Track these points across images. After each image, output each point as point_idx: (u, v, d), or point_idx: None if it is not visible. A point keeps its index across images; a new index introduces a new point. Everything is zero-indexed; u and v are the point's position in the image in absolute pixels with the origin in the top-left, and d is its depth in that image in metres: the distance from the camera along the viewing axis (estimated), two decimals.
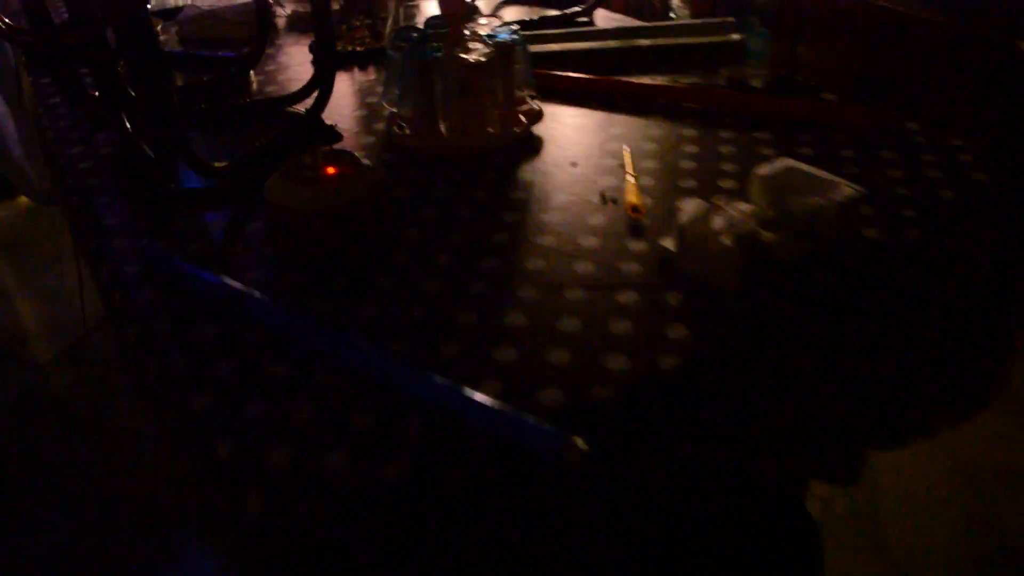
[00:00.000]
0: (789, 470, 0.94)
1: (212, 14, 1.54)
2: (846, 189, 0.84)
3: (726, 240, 0.76)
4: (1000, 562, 1.50)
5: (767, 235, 0.77)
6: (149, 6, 1.59)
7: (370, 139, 1.13)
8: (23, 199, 2.93)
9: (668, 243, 0.82)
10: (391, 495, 0.61)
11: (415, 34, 1.05)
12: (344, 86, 1.33)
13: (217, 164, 0.99)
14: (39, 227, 2.79)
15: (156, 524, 1.66)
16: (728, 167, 1.00)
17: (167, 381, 0.72)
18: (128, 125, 1.05)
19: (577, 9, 1.51)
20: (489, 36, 1.04)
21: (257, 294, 0.78)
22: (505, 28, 1.06)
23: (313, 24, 1.05)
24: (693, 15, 2.70)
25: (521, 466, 0.63)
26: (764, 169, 0.88)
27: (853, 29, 2.13)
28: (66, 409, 2.00)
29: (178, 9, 1.64)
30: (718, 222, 0.79)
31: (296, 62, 1.44)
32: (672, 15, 3.02)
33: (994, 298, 1.06)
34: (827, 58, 2.23)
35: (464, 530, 0.64)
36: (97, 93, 1.15)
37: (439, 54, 1.02)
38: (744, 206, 0.82)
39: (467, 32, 1.05)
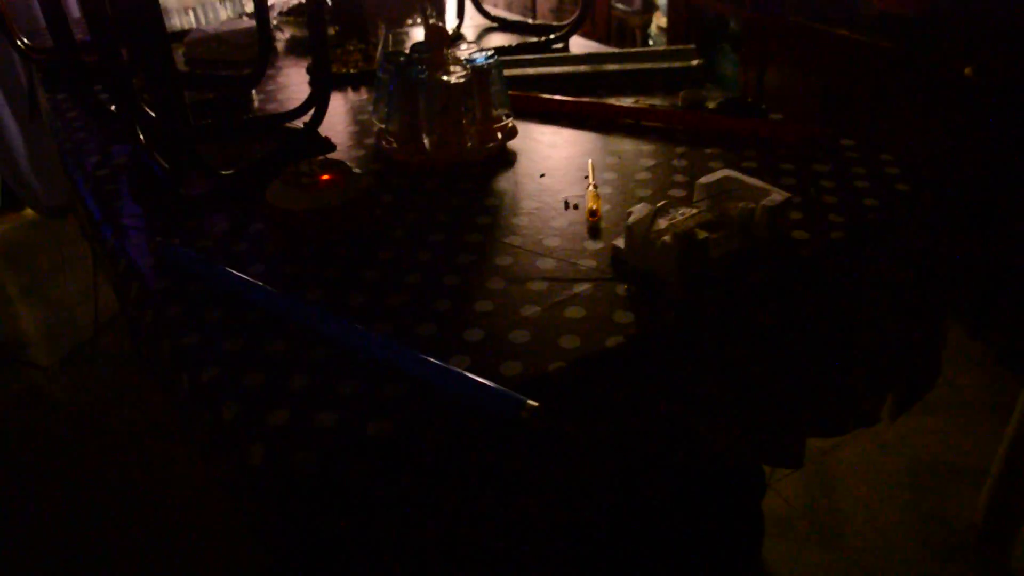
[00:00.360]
0: (733, 451, 1.05)
1: (217, 37, 1.66)
2: (776, 195, 0.96)
3: (667, 238, 0.88)
4: (947, 554, 1.60)
5: (703, 234, 0.88)
6: None
7: (361, 152, 1.25)
8: (29, 212, 3.04)
9: (620, 242, 0.94)
10: (375, 449, 0.72)
11: (402, 58, 1.17)
12: (339, 104, 1.45)
13: (224, 172, 1.11)
14: (44, 239, 2.90)
15: (156, 521, 1.76)
16: (679, 178, 1.12)
17: (178, 358, 0.84)
18: (142, 137, 1.17)
19: (553, 36, 1.63)
20: (468, 60, 1.16)
21: (259, 283, 0.89)
22: (482, 53, 1.18)
23: (310, 48, 1.18)
24: (669, 42, 2.85)
25: (485, 424, 0.74)
26: (706, 178, 1.01)
27: (816, 56, 2.27)
28: (67, 411, 2.11)
29: (185, 32, 1.76)
30: (662, 223, 0.91)
31: (294, 82, 1.56)
32: (651, 42, 3.16)
33: (922, 294, 1.17)
34: (792, 82, 2.37)
35: (437, 479, 0.75)
36: (113, 108, 1.27)
37: (423, 76, 1.14)
38: (686, 210, 0.93)
39: (448, 56, 1.17)
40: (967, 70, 1.87)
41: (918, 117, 2.06)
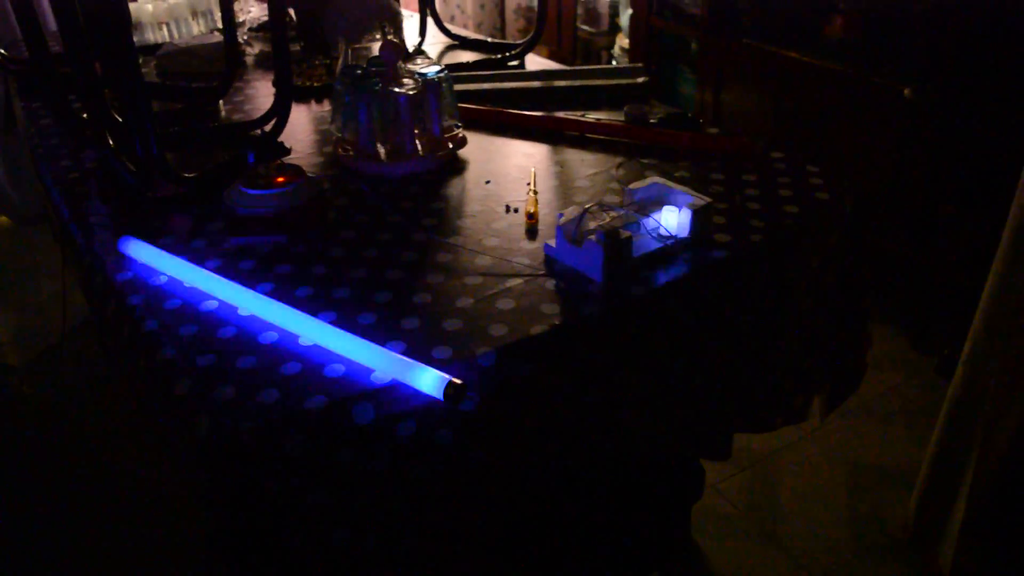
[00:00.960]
0: (660, 441, 1.12)
1: (188, 50, 1.73)
2: (698, 200, 1.04)
3: (592, 237, 0.95)
4: (881, 553, 1.68)
5: (626, 234, 0.96)
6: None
7: (320, 159, 1.33)
8: (4, 219, 3.09)
9: (552, 241, 1.02)
10: (312, 423, 0.78)
11: (359, 71, 1.25)
12: (302, 115, 1.52)
13: (187, 175, 1.17)
14: (18, 246, 2.95)
15: (123, 518, 1.80)
16: (615, 185, 1.20)
17: (137, 342, 0.90)
18: (111, 142, 1.24)
19: (509, 54, 1.72)
20: (420, 74, 1.24)
21: (215, 275, 0.96)
22: (434, 68, 1.25)
23: (273, 59, 1.25)
24: (631, 60, 2.95)
25: (413, 401, 0.81)
26: (635, 184, 1.09)
27: (768, 76, 2.37)
28: (35, 409, 2.15)
29: (158, 45, 1.83)
30: (591, 224, 0.99)
31: (261, 94, 1.64)
32: (613, 62, 3.26)
33: (844, 298, 1.25)
34: (746, 101, 2.47)
35: (368, 451, 0.82)
36: (85, 115, 1.33)
37: (377, 88, 1.21)
38: (614, 212, 1.01)
39: (402, 70, 1.25)
40: (906, 91, 1.98)
41: (862, 134, 2.16)
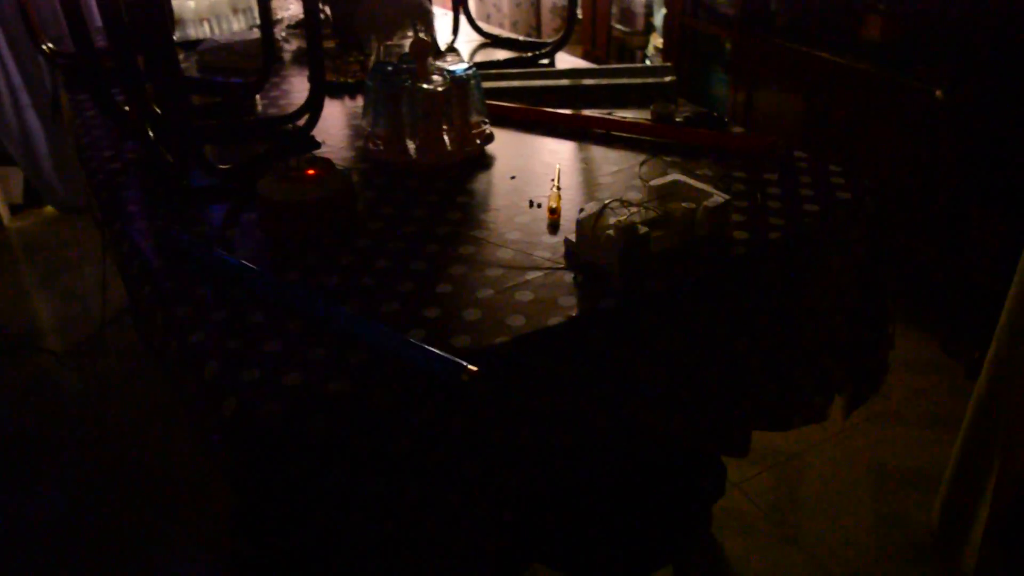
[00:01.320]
0: (676, 435, 1.14)
1: (227, 47, 1.78)
2: (717, 197, 1.05)
3: (611, 232, 0.97)
4: (904, 556, 1.68)
5: (644, 229, 0.98)
6: (174, 38, 1.84)
7: (351, 153, 1.36)
8: (49, 208, 3.18)
9: (572, 236, 1.04)
10: (333, 405, 0.82)
11: (389, 68, 1.28)
12: (336, 110, 1.56)
13: (222, 167, 1.21)
14: (63, 234, 3.03)
15: (158, 500, 1.86)
16: (638, 182, 1.21)
17: (170, 325, 0.94)
18: (152, 135, 1.28)
19: (540, 52, 1.74)
20: (449, 71, 1.27)
21: (245, 263, 1.00)
22: (462, 65, 1.28)
23: (308, 57, 1.29)
24: (664, 60, 2.95)
25: (431, 386, 0.84)
26: (656, 181, 1.10)
27: (800, 77, 2.37)
28: (76, 394, 2.23)
29: (198, 41, 1.88)
30: (611, 219, 1.01)
31: (296, 90, 1.68)
32: (647, 61, 3.27)
33: (865, 298, 1.26)
34: (778, 102, 2.47)
35: (388, 435, 0.85)
36: (127, 108, 1.38)
37: (407, 84, 1.24)
38: (633, 208, 1.03)
39: (432, 67, 1.28)
40: (938, 92, 1.97)
41: (893, 135, 2.15)
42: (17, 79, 2.90)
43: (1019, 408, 1.43)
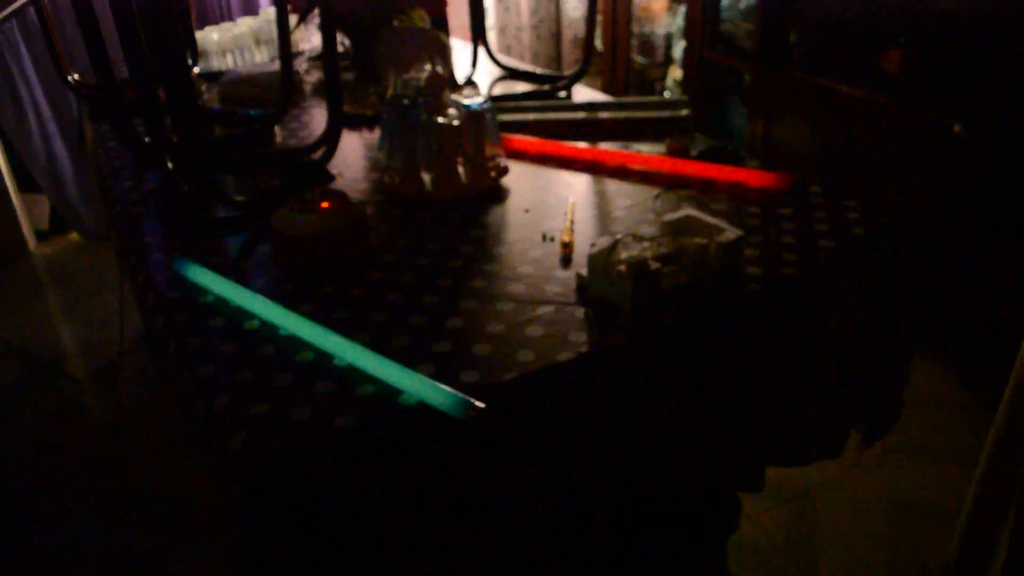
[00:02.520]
0: (690, 471, 1.13)
1: (248, 78, 1.80)
2: (730, 233, 1.05)
3: (622, 268, 0.97)
4: None
5: (655, 265, 0.98)
6: (196, 69, 1.87)
7: (367, 185, 1.37)
8: (74, 235, 3.23)
9: (584, 271, 1.04)
10: (341, 440, 0.82)
11: (405, 101, 1.29)
12: (354, 142, 1.58)
13: (238, 198, 1.23)
14: (87, 260, 3.08)
15: (172, 519, 1.87)
16: (651, 216, 1.21)
17: (182, 357, 0.95)
18: (170, 166, 1.30)
19: (558, 85, 1.76)
20: (464, 105, 1.28)
21: (258, 295, 1.01)
22: (478, 99, 1.29)
23: (325, 91, 1.30)
24: (683, 92, 2.96)
25: (438, 422, 0.84)
26: (669, 216, 1.10)
27: (818, 110, 2.36)
28: (98, 418, 2.25)
29: (221, 73, 1.91)
30: (622, 254, 1.00)
31: (316, 121, 1.70)
32: (666, 93, 3.28)
33: (881, 334, 1.24)
34: (796, 134, 2.46)
35: (395, 469, 0.84)
36: (147, 139, 1.40)
37: (423, 118, 1.25)
38: (646, 243, 1.03)
39: (448, 101, 1.29)
40: (956, 126, 1.96)
41: (912, 168, 2.13)
42: (45, 108, 2.95)
43: None
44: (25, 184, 3.10)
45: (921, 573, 1.69)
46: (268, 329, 0.97)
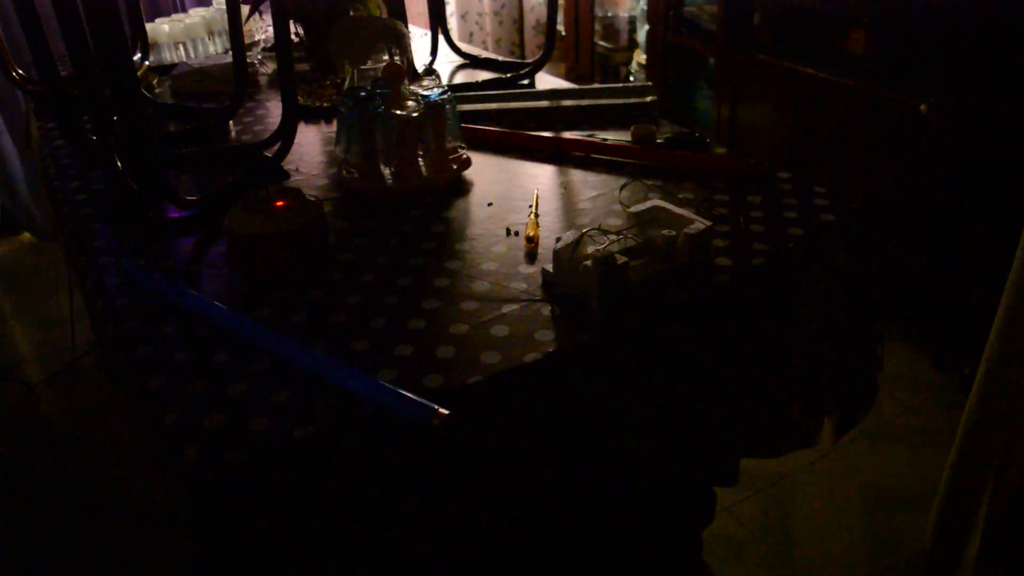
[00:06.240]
0: (665, 467, 1.11)
1: (201, 71, 1.74)
2: (698, 223, 1.02)
3: (588, 263, 0.94)
4: (897, 575, 1.65)
5: (622, 259, 0.95)
6: (147, 63, 1.81)
7: (324, 180, 1.33)
8: (26, 235, 3.14)
9: (550, 266, 1.01)
10: (299, 452, 0.78)
11: (362, 93, 1.25)
12: (311, 135, 1.53)
13: (189, 198, 1.18)
14: (39, 261, 2.99)
15: (133, 527, 1.82)
16: (618, 207, 1.18)
17: (132, 368, 0.90)
18: (119, 164, 1.25)
19: (520, 73, 1.72)
20: (423, 96, 1.24)
21: (210, 300, 0.96)
22: (438, 89, 1.25)
23: (279, 82, 1.26)
24: (648, 78, 2.94)
25: (402, 430, 0.81)
26: (636, 207, 1.07)
27: (784, 93, 2.35)
28: (54, 425, 2.18)
29: (173, 66, 1.85)
30: (588, 249, 0.97)
31: (272, 114, 1.64)
32: (631, 78, 3.25)
33: (852, 321, 1.23)
34: (762, 118, 2.45)
35: (357, 481, 0.81)
36: (94, 137, 1.34)
37: (380, 110, 1.21)
38: (613, 236, 1.00)
39: (405, 92, 1.25)
40: (922, 107, 1.95)
41: (879, 150, 2.13)
42: None
43: (1011, 424, 1.40)
44: None
45: (896, 558, 1.69)
46: (222, 335, 0.92)
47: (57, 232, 2.75)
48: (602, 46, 3.38)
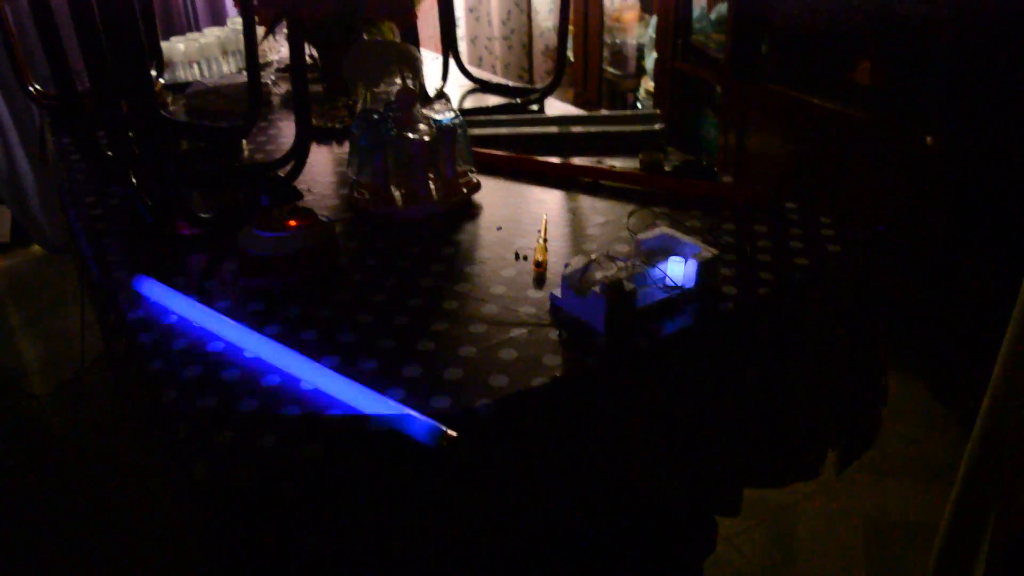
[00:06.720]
0: (666, 494, 1.11)
1: (215, 90, 1.77)
2: (705, 252, 1.03)
3: (596, 288, 0.95)
4: None
5: (630, 286, 0.96)
6: (162, 81, 1.83)
7: (336, 201, 1.34)
8: (36, 247, 3.16)
9: (558, 291, 1.02)
10: (308, 469, 0.79)
11: (375, 116, 1.26)
12: (323, 156, 1.55)
13: (203, 215, 1.19)
14: (49, 273, 3.01)
15: (137, 540, 1.82)
16: (625, 234, 1.20)
17: (144, 382, 0.91)
18: (134, 180, 1.27)
19: (530, 98, 1.74)
20: (435, 120, 1.25)
21: (223, 316, 0.97)
22: (449, 113, 1.27)
23: (293, 105, 1.27)
24: (655, 105, 2.96)
25: (409, 450, 0.81)
26: (644, 234, 1.09)
27: (791, 122, 2.37)
28: (58, 437, 2.19)
29: (187, 84, 1.87)
30: (596, 275, 0.99)
31: (285, 134, 1.67)
32: (639, 105, 3.28)
33: (856, 352, 1.24)
34: (769, 147, 2.47)
35: (364, 499, 0.82)
36: (110, 153, 1.36)
37: (392, 133, 1.23)
38: (620, 262, 1.01)
39: (417, 115, 1.26)
40: (928, 139, 1.97)
41: (884, 181, 2.14)
42: (7, 118, 2.89)
43: (1015, 459, 1.40)
44: None
45: None
46: (233, 352, 0.94)
47: (68, 245, 2.78)
48: (610, 72, 3.42)
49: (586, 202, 1.32)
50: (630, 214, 1.25)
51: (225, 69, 2.04)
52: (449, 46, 1.84)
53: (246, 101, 1.61)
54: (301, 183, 1.37)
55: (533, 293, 1.05)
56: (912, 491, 1.93)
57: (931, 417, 2.15)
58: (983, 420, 1.44)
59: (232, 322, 0.97)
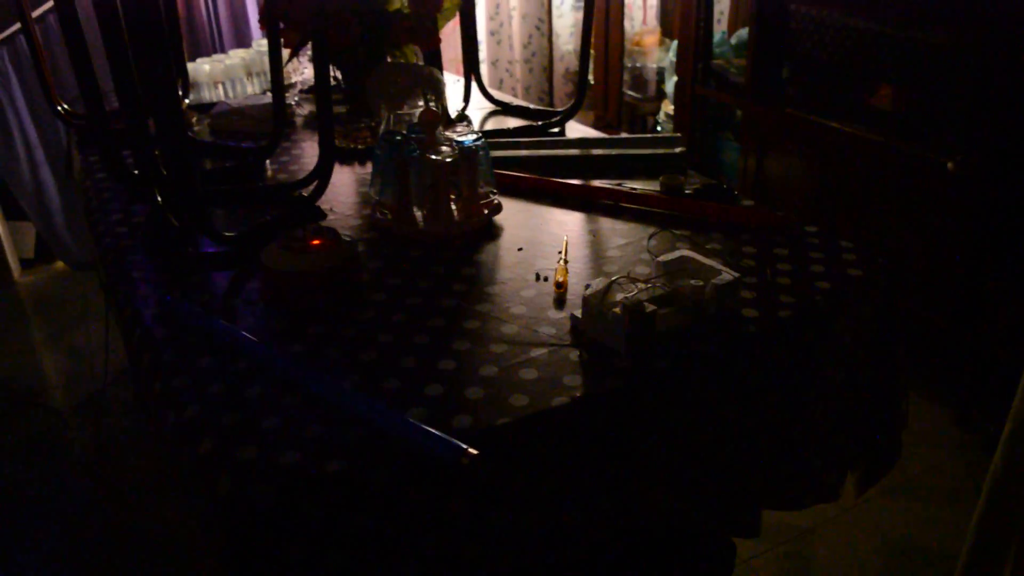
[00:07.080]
0: (685, 516, 1.11)
1: (239, 111, 1.79)
2: (726, 275, 1.04)
3: (617, 310, 0.96)
4: None
5: (651, 308, 0.96)
6: (187, 101, 1.86)
7: (358, 221, 1.36)
8: (60, 264, 3.20)
9: (579, 312, 1.02)
10: (330, 486, 0.79)
11: (398, 137, 1.28)
12: (345, 176, 1.56)
13: (227, 233, 1.21)
14: (72, 290, 3.04)
15: (158, 561, 1.83)
16: (646, 256, 1.20)
17: (166, 397, 0.92)
18: (159, 199, 1.28)
19: (551, 121, 1.75)
20: (457, 142, 1.27)
21: (246, 335, 0.98)
22: (471, 135, 1.28)
23: (317, 125, 1.29)
24: (675, 129, 2.97)
25: (431, 468, 0.82)
26: (664, 256, 1.09)
27: (811, 146, 2.37)
28: (79, 452, 2.21)
29: (212, 105, 1.90)
30: (617, 296, 0.99)
31: (308, 155, 1.68)
32: (659, 128, 3.29)
33: (877, 375, 1.23)
34: (789, 171, 2.47)
35: (386, 517, 0.82)
36: (136, 171, 1.38)
37: (415, 154, 1.24)
38: (642, 285, 1.02)
39: (440, 137, 1.28)
40: (949, 164, 1.96)
41: (905, 206, 2.14)
42: (33, 136, 2.93)
43: None
44: (11, 212, 3.08)
45: None
46: (256, 370, 0.95)
47: (94, 262, 2.81)
48: (631, 96, 3.44)
49: (607, 224, 1.33)
50: (651, 236, 1.25)
51: (249, 90, 2.07)
52: (471, 69, 1.86)
53: (270, 122, 1.63)
54: (324, 203, 1.38)
55: (554, 314, 1.06)
56: (933, 516, 1.91)
57: (952, 443, 2.13)
58: (1004, 446, 1.43)
59: (255, 340, 0.98)
